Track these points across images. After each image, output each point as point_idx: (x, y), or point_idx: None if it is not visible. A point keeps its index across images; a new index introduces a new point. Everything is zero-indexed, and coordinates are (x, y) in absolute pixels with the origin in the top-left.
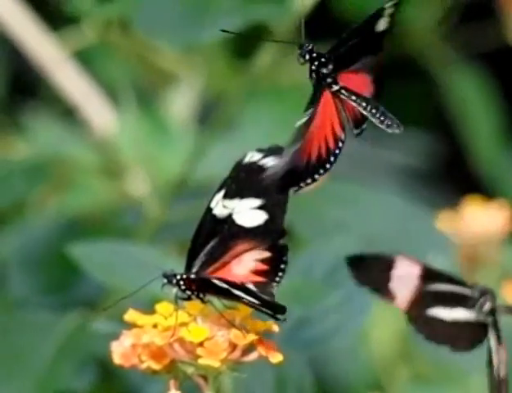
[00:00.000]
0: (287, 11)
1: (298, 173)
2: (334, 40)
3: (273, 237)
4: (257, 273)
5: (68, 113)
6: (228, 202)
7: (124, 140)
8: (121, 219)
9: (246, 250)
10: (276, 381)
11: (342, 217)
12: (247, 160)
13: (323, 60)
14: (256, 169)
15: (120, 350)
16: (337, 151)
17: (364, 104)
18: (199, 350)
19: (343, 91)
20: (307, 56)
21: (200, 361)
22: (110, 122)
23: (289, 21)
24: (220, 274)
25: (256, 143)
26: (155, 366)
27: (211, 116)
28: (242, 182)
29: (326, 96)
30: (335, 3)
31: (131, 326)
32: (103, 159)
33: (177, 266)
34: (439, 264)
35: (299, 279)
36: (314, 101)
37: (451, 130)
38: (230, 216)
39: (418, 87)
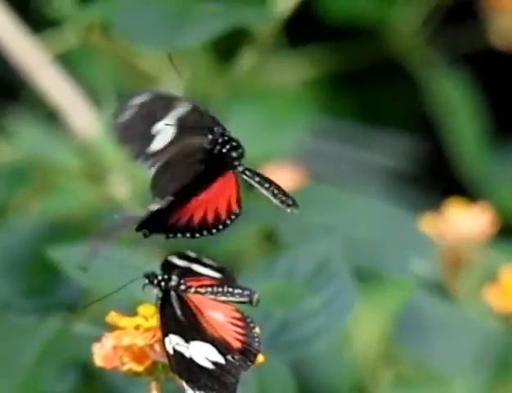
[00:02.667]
0: (268, 16)
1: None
2: (317, 43)
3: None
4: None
5: (51, 116)
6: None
7: (106, 143)
8: (103, 221)
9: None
10: (259, 385)
11: (325, 220)
12: None
13: (234, 144)
14: None
15: (102, 353)
16: (228, 221)
17: (266, 185)
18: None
19: (247, 172)
20: (220, 140)
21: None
22: (93, 125)
23: (270, 25)
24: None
25: None
26: (137, 368)
27: None
28: None
29: (229, 175)
30: (319, 7)
31: (112, 328)
32: (85, 162)
33: (158, 268)
34: (422, 266)
35: (281, 282)
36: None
37: (435, 132)
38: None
39: (401, 89)
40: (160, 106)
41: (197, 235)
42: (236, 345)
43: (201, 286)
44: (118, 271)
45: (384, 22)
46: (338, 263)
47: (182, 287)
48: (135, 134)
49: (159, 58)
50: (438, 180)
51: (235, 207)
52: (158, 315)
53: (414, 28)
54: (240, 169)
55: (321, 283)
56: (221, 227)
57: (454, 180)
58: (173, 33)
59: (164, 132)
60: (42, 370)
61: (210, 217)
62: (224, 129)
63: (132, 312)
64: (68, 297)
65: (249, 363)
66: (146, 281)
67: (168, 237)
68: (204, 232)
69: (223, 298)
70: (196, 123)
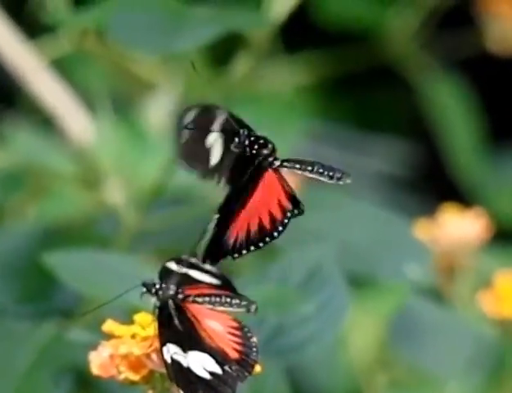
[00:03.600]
0: (264, 21)
1: (225, 248)
2: (313, 48)
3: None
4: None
5: (46, 122)
6: None
7: (102, 148)
8: (98, 227)
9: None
10: (253, 390)
11: (319, 225)
12: None
13: (262, 141)
14: None
15: (98, 361)
16: (285, 220)
17: (309, 168)
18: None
19: (285, 163)
20: (247, 141)
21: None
22: (88, 131)
23: (265, 30)
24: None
25: None
26: (133, 377)
27: None
28: None
29: (269, 174)
30: (315, 12)
31: (109, 336)
32: (80, 167)
33: (155, 275)
34: (416, 271)
35: (275, 287)
36: (249, 182)
37: (431, 138)
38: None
39: (397, 94)
40: (206, 118)
41: (261, 244)
42: (234, 355)
43: (199, 296)
44: (114, 278)
45: (379, 27)
46: (331, 268)
47: (180, 296)
48: (195, 153)
49: (154, 63)
50: (434, 185)
51: (286, 204)
52: (156, 324)
53: (410, 33)
54: (277, 163)
55: (314, 288)
56: (280, 228)
57: (449, 185)
58: (168, 37)
59: (216, 144)
60: (37, 376)
61: (266, 222)
62: (250, 130)
63: (128, 320)
64: (63, 303)
65: (246, 374)
66: (144, 289)
67: (234, 258)
68: (267, 239)
69: (221, 308)
70: (228, 129)
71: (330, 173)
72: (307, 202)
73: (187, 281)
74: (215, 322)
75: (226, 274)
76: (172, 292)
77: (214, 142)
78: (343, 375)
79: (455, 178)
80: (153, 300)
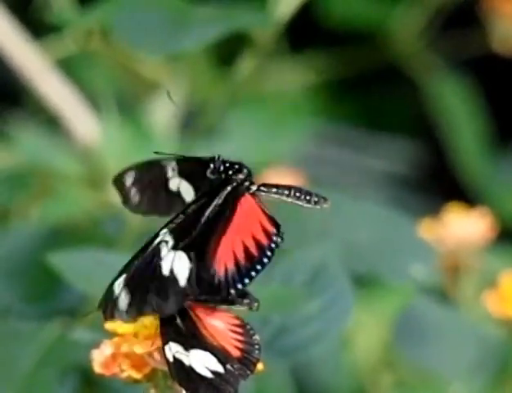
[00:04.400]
0: (268, 20)
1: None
2: (318, 48)
3: None
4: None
5: (51, 122)
6: None
7: (107, 149)
8: (103, 227)
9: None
10: (257, 389)
11: (324, 225)
12: None
13: (237, 167)
14: None
15: (101, 359)
16: (272, 245)
17: (286, 192)
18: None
19: (262, 188)
20: (222, 167)
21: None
22: (93, 131)
23: (270, 30)
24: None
25: (238, 149)
26: (136, 375)
27: (194, 124)
28: None
29: (246, 199)
30: (320, 12)
31: (112, 335)
32: (86, 168)
33: None
34: (421, 271)
35: (279, 286)
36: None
37: (436, 137)
38: None
39: (402, 94)
40: (151, 171)
41: (253, 274)
42: (236, 353)
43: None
44: None
45: (385, 27)
46: (335, 268)
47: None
48: (155, 205)
49: (159, 63)
50: (438, 185)
51: (270, 228)
52: (158, 323)
53: (415, 33)
54: (254, 188)
55: (318, 288)
56: (269, 253)
57: (454, 185)
58: (173, 37)
59: (182, 188)
60: (42, 376)
61: (253, 249)
62: (223, 158)
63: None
64: (68, 303)
65: (248, 372)
66: None
67: (229, 295)
68: (258, 267)
69: (223, 305)
70: (196, 166)
71: (308, 198)
72: None
73: None
74: (217, 320)
75: None
76: None
77: (178, 186)
78: (347, 375)
79: (459, 178)
80: None
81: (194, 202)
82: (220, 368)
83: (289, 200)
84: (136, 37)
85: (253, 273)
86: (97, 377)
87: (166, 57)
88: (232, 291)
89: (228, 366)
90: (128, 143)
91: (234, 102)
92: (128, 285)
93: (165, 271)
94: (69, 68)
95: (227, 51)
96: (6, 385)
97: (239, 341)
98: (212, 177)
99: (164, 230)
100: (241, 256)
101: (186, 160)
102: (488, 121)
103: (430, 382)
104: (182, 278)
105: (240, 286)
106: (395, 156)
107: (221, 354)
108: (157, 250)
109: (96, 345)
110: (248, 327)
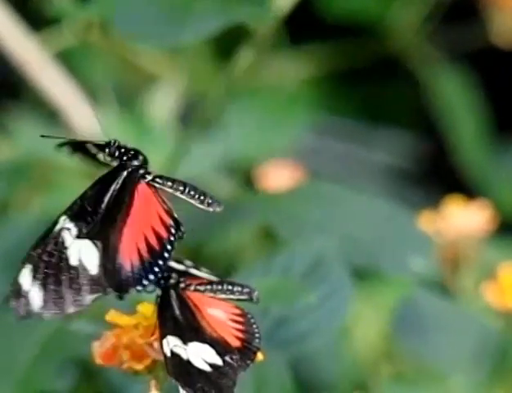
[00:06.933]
0: (268, 13)
1: (126, 277)
2: (317, 41)
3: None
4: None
5: (51, 114)
6: None
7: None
8: None
9: None
10: (256, 381)
11: (322, 217)
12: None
13: (132, 152)
14: None
15: (102, 351)
16: (171, 238)
17: (181, 188)
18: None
19: (157, 179)
20: (117, 153)
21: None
22: (92, 123)
23: (270, 22)
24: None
25: (237, 142)
26: (136, 366)
27: (193, 116)
28: None
29: (142, 188)
30: (319, 4)
31: (112, 326)
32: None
33: None
34: (421, 263)
35: (278, 278)
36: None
37: (435, 130)
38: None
39: (401, 87)
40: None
41: (157, 270)
42: (235, 343)
43: (201, 284)
44: None
45: (384, 20)
46: (334, 259)
47: (182, 285)
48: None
49: (158, 55)
50: (438, 177)
51: (168, 221)
52: (157, 315)
53: (414, 25)
54: (149, 177)
55: (317, 280)
56: (169, 247)
57: (454, 177)
58: (172, 30)
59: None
60: (42, 367)
61: (153, 242)
62: (119, 143)
63: (131, 310)
64: None
65: (248, 362)
66: None
67: (138, 291)
68: (160, 263)
69: (223, 296)
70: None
71: (201, 198)
72: (310, 195)
73: (188, 275)
74: (217, 310)
75: (224, 277)
76: (173, 281)
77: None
78: (347, 367)
79: (459, 170)
80: (155, 290)
81: (91, 188)
82: (218, 361)
83: (183, 196)
84: (136, 29)
85: (156, 269)
86: (97, 368)
87: (165, 50)
88: (139, 288)
89: (227, 358)
90: (127, 135)
91: (233, 95)
92: (36, 278)
93: (73, 261)
94: (69, 61)
95: (226, 43)
96: (5, 377)
97: (239, 330)
98: (107, 161)
99: (63, 217)
100: (144, 250)
101: (82, 144)
102: (487, 114)
103: (430, 374)
104: (93, 267)
105: (145, 282)
106: (394, 149)
107: (220, 346)
108: (60, 239)
109: (97, 336)
110: (248, 315)
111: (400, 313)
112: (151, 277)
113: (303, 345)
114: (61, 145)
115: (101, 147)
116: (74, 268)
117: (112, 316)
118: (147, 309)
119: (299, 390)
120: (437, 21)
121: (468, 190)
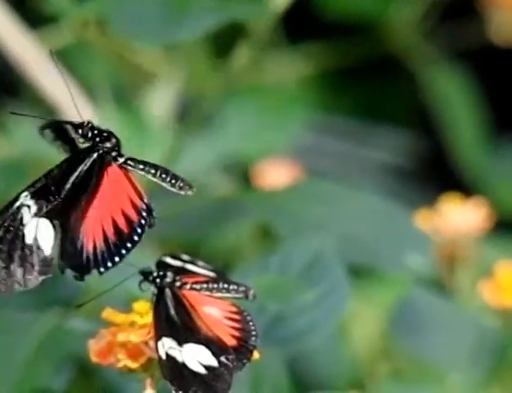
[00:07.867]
0: (265, 11)
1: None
2: (315, 39)
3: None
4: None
5: (49, 112)
6: None
7: None
8: None
9: None
10: (252, 379)
11: (320, 215)
12: None
13: (105, 134)
14: None
15: (97, 349)
16: (143, 222)
17: (152, 171)
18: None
19: (129, 161)
20: (90, 134)
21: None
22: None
23: (267, 21)
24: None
25: (235, 140)
26: (132, 364)
27: (190, 114)
28: None
29: (113, 170)
30: (317, 3)
31: (108, 324)
32: None
33: (153, 264)
34: (418, 261)
35: (275, 276)
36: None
37: (434, 128)
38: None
39: (400, 85)
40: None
41: (124, 252)
42: (232, 342)
43: (196, 283)
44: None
45: (382, 18)
46: (331, 258)
47: (178, 284)
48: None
49: (156, 53)
50: (436, 175)
51: (140, 203)
52: (152, 315)
53: (413, 24)
54: (121, 160)
55: (314, 278)
56: (139, 230)
57: (451, 175)
58: (169, 27)
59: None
60: (39, 365)
61: (122, 224)
62: (92, 124)
63: (127, 308)
64: (64, 293)
65: (244, 361)
66: (142, 278)
67: (100, 273)
68: (128, 245)
69: (219, 294)
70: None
71: (173, 181)
72: (307, 193)
73: (184, 272)
74: (213, 308)
75: (221, 270)
76: (169, 279)
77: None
78: (344, 365)
79: (457, 169)
80: (151, 288)
81: (57, 167)
82: (214, 362)
83: (155, 179)
84: (133, 27)
85: (123, 251)
86: (93, 366)
87: (163, 48)
88: (102, 270)
89: (222, 358)
90: (124, 133)
91: (231, 93)
92: None
93: (28, 239)
94: (66, 58)
95: (224, 41)
96: (2, 375)
97: (235, 328)
98: (80, 143)
99: (25, 193)
100: (110, 232)
101: (61, 125)
102: (485, 112)
103: (427, 372)
104: (47, 247)
105: (110, 264)
106: (392, 147)
107: (215, 346)
108: (18, 216)
109: (93, 334)
110: (245, 313)
111: (397, 312)
112: (117, 259)
113: (300, 344)
114: (44, 127)
115: (75, 128)
116: (29, 246)
117: (108, 314)
118: (143, 307)
119: (296, 388)
120: (435, 20)
121: (465, 188)
